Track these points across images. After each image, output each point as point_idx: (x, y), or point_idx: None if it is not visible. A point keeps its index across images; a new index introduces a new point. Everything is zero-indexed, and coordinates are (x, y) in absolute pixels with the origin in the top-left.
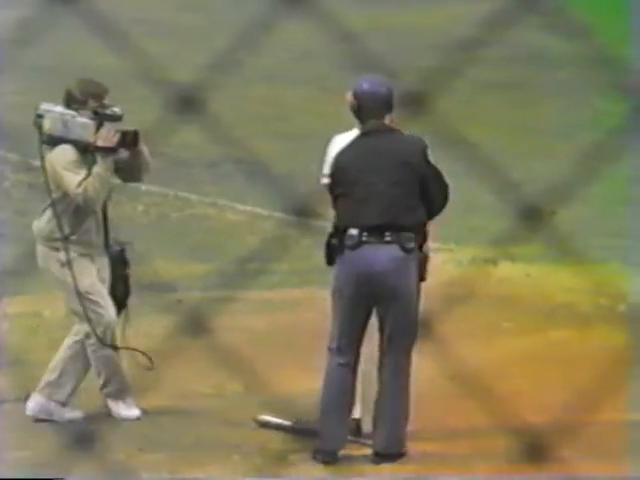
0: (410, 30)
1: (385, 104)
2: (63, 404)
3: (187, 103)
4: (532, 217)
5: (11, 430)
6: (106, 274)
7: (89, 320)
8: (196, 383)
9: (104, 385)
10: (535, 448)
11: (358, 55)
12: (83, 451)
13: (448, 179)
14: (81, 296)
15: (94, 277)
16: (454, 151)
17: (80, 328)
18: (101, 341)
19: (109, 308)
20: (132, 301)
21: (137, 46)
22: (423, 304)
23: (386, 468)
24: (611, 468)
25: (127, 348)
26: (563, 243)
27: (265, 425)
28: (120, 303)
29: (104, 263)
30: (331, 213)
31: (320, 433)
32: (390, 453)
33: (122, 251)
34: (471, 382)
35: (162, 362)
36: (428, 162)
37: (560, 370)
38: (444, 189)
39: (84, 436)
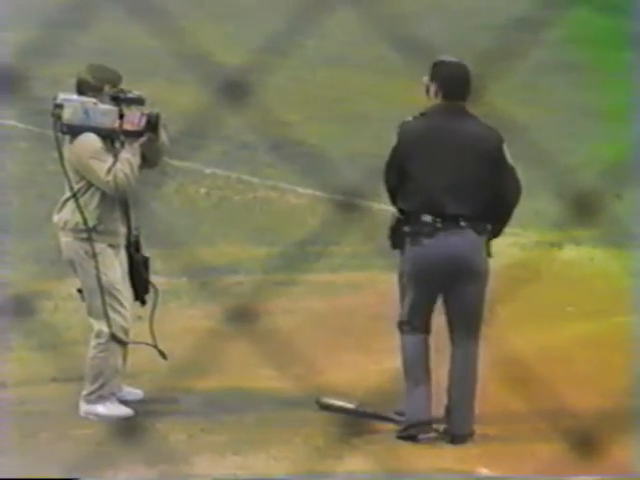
0: (467, 11)
1: (466, 86)
2: (112, 396)
3: (243, 87)
4: (591, 201)
5: (76, 407)
6: (124, 267)
7: (106, 316)
8: (258, 365)
9: (99, 387)
10: (595, 433)
11: (414, 38)
12: (144, 430)
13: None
14: (103, 290)
15: (119, 274)
16: (514, 134)
17: (101, 329)
18: (114, 338)
19: (127, 311)
20: (188, 286)
21: (189, 29)
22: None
23: (449, 450)
24: None
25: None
26: (626, 226)
27: (327, 407)
28: (141, 293)
29: (123, 256)
30: (389, 188)
31: (407, 406)
32: (464, 434)
33: (137, 237)
34: (533, 366)
35: (224, 344)
36: (504, 158)
37: (624, 355)
38: (518, 188)
39: (145, 415)
